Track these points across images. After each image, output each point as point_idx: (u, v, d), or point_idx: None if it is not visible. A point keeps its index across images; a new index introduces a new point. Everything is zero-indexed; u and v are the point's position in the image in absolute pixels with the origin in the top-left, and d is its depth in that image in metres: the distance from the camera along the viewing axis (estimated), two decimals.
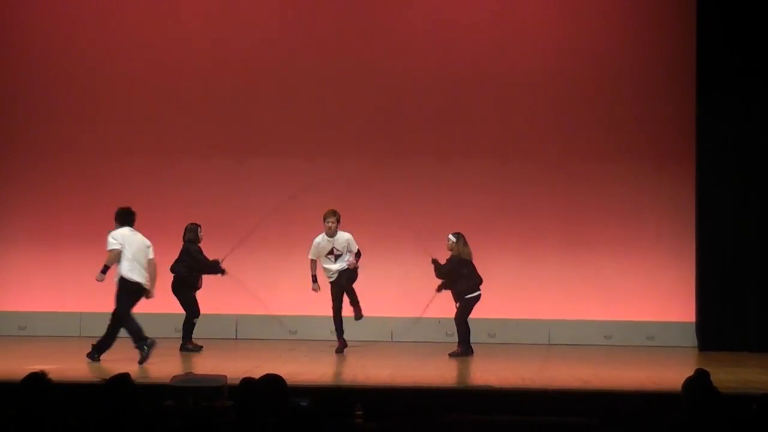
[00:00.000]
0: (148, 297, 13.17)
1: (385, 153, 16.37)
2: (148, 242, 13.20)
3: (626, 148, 16.20)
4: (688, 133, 15.69)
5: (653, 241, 16.17)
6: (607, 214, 16.24)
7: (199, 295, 14.67)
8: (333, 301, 14.42)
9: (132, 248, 13.02)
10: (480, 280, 14.25)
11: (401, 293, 15.87)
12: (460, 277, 14.20)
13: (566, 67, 16.29)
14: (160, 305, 15.47)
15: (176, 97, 16.54)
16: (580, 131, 16.30)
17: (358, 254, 14.50)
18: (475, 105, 16.37)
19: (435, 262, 14.31)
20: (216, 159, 16.48)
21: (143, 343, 12.73)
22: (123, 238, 13.04)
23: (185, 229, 14.72)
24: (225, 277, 14.76)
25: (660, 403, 9.10)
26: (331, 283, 14.49)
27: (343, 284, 14.39)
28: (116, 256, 12.95)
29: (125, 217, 13.26)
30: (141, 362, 12.56)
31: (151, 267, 13.16)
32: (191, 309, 14.57)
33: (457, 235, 14.37)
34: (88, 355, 13.03)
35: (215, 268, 14.63)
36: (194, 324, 14.60)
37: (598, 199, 16.27)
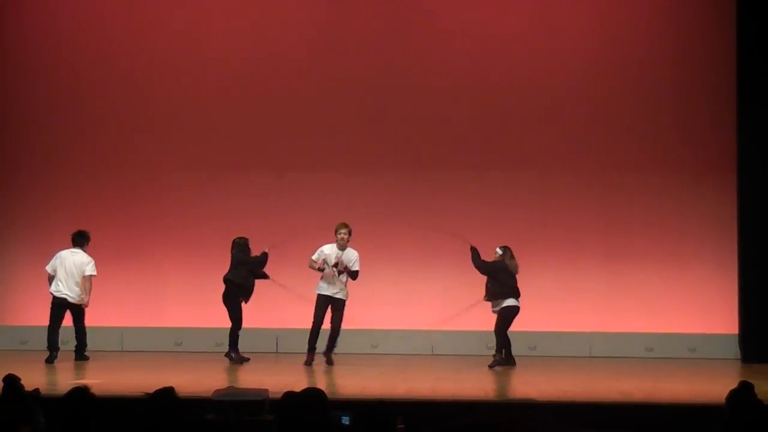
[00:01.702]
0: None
1: (424, 166, 16.36)
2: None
3: (667, 160, 16.13)
4: (728, 144, 15.62)
5: (695, 252, 16.08)
6: (648, 226, 16.17)
7: (245, 307, 14.70)
8: (316, 314, 14.30)
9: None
10: (518, 294, 14.21)
11: (441, 306, 15.84)
12: (496, 283, 14.18)
13: (605, 78, 16.25)
14: (201, 320, 15.61)
15: (214, 113, 16.60)
16: (620, 143, 16.24)
17: (354, 273, 14.29)
18: (513, 117, 16.35)
19: (473, 250, 14.31)
20: (253, 174, 16.53)
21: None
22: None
23: (234, 243, 14.74)
24: (267, 285, 14.78)
25: (703, 416, 9.04)
26: (320, 295, 14.33)
27: (333, 311, 14.31)
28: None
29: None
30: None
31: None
32: (238, 319, 14.60)
33: (504, 248, 14.37)
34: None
35: (263, 264, 14.69)
36: (238, 336, 14.64)
37: (639, 210, 16.20)
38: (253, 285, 14.66)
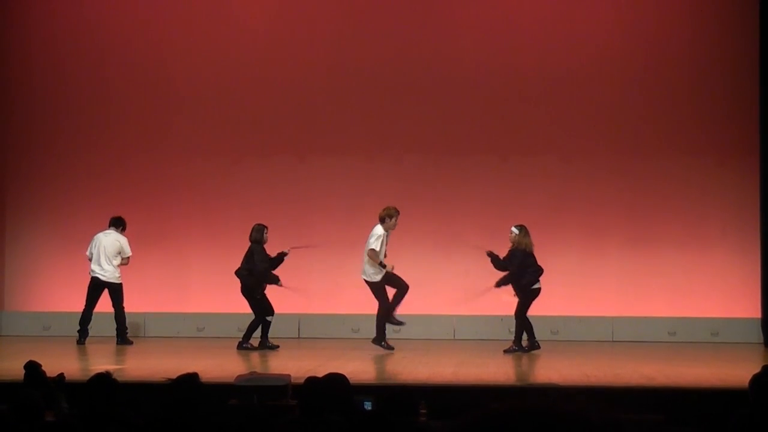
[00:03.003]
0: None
1: (445, 151, 16.35)
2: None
3: (688, 144, 16.09)
4: (750, 128, 15.56)
5: (717, 236, 16.04)
6: (670, 210, 16.13)
7: (267, 293, 14.71)
8: (385, 297, 14.20)
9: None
10: (541, 271, 14.11)
11: (462, 290, 15.85)
12: (525, 270, 14.09)
13: (627, 63, 16.20)
14: (224, 305, 15.66)
15: (236, 99, 16.62)
16: (641, 127, 16.20)
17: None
18: (535, 103, 16.32)
19: (491, 254, 14.23)
20: (276, 159, 16.55)
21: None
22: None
23: (252, 229, 14.76)
24: (291, 269, 14.81)
25: (726, 399, 9.02)
26: (381, 280, 14.24)
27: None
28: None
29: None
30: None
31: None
32: (261, 309, 14.59)
33: (520, 227, 14.25)
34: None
35: (272, 279, 14.65)
36: (269, 322, 14.62)
37: (661, 195, 16.16)
38: (256, 281, 14.61)
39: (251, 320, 14.61)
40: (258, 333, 14.61)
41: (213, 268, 16.36)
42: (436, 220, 16.03)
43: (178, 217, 16.62)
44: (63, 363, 11.10)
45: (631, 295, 15.97)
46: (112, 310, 15.01)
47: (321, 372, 6.94)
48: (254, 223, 14.81)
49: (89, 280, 15.12)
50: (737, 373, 10.58)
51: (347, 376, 6.80)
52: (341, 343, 15.01)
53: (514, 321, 14.25)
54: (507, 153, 16.35)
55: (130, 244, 15.13)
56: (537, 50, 16.35)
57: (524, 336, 14.15)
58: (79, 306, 15.08)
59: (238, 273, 14.66)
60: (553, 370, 12.02)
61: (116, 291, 15.02)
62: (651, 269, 16.08)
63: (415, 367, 12.52)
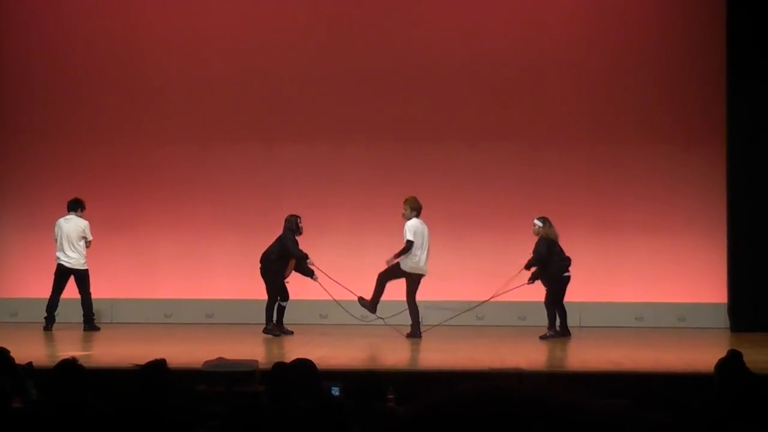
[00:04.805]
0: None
1: (415, 137, 16.34)
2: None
3: (655, 131, 16.16)
4: (717, 115, 15.65)
5: (684, 222, 16.13)
6: (637, 197, 16.21)
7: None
8: (413, 294, 14.28)
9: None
10: (569, 261, 14.24)
11: (431, 276, 15.84)
12: (551, 259, 14.20)
13: (596, 51, 16.25)
14: (192, 291, 15.62)
15: (204, 85, 16.57)
16: (609, 114, 16.26)
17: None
18: (503, 89, 16.34)
19: (525, 267, 14.32)
20: (244, 145, 16.51)
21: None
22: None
23: (286, 220, 14.69)
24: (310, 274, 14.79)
25: (693, 384, 9.08)
26: (415, 274, 14.30)
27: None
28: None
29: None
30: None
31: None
32: (276, 293, 14.54)
33: (543, 219, 14.42)
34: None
35: (304, 264, 14.67)
36: (283, 307, 14.60)
37: (628, 181, 16.23)
38: (286, 265, 14.59)
39: (267, 304, 14.58)
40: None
41: (181, 254, 16.33)
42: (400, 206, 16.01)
43: (146, 202, 16.56)
44: (30, 349, 11.06)
45: (599, 281, 16.03)
46: (78, 296, 14.95)
47: (289, 358, 6.95)
48: (288, 214, 14.73)
49: (55, 266, 15.08)
50: (703, 357, 10.64)
51: (315, 361, 6.81)
52: (309, 329, 15.02)
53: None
54: (476, 139, 16.36)
55: (92, 228, 15.02)
56: (506, 38, 16.38)
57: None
58: (46, 292, 15.01)
59: (265, 257, 14.58)
60: (520, 355, 12.05)
61: (82, 277, 14.95)
62: (618, 255, 16.16)
63: (383, 352, 12.54)
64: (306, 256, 14.68)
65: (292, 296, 14.64)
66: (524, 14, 16.38)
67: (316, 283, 14.61)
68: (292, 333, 14.52)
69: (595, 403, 2.17)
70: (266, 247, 14.58)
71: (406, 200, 14.36)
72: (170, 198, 16.55)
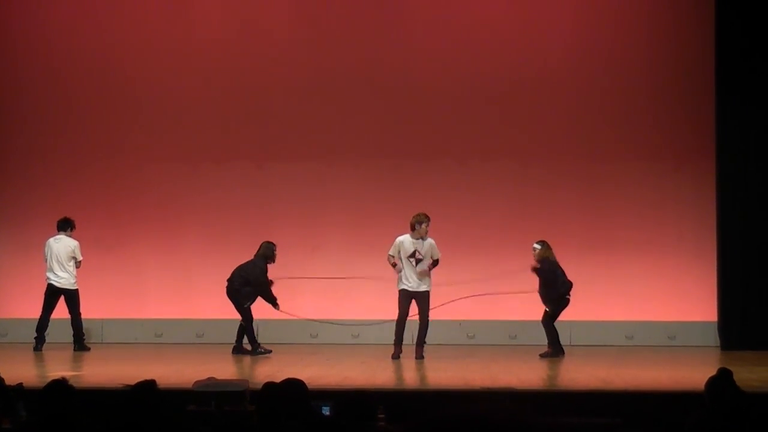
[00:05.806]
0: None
1: (404, 155, 16.35)
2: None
3: (646, 149, 16.18)
4: (707, 132, 15.67)
5: (674, 241, 16.14)
6: (627, 215, 16.22)
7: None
8: (400, 308, 14.07)
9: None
10: (570, 285, 14.30)
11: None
12: (556, 282, 14.25)
13: (585, 68, 16.28)
14: (181, 311, 15.58)
15: (195, 104, 16.57)
16: (599, 132, 16.28)
17: (436, 262, 14.13)
18: (495, 107, 16.36)
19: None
20: (233, 165, 16.50)
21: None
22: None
23: (261, 246, 14.65)
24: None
25: (683, 402, 9.08)
26: (402, 290, 14.08)
27: (419, 305, 14.07)
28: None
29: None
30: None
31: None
32: (243, 317, 14.51)
33: (542, 242, 14.46)
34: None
35: (271, 298, 14.62)
36: (252, 330, 14.54)
37: (618, 199, 16.24)
38: (252, 296, 14.56)
39: (242, 326, 14.55)
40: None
41: (170, 274, 16.31)
42: (394, 224, 15.99)
43: (136, 222, 16.54)
44: (20, 370, 11.03)
45: (589, 300, 16.01)
46: (68, 316, 14.93)
47: (279, 377, 6.93)
48: (264, 241, 14.71)
49: (45, 286, 15.05)
50: (694, 376, 10.65)
51: (305, 381, 6.80)
52: (300, 349, 15.00)
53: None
54: (465, 157, 16.37)
55: (82, 248, 15.01)
56: (496, 56, 16.40)
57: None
58: (36, 312, 14.98)
59: (232, 280, 14.54)
60: (511, 374, 12.04)
61: (72, 297, 14.94)
62: (608, 273, 16.16)
63: (373, 371, 12.51)
64: (271, 283, 14.59)
65: (282, 316, 14.60)
66: (515, 34, 16.41)
67: (279, 311, 14.55)
68: (250, 352, 14.43)
69: (589, 423, 2.20)
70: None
71: (425, 217, 14.11)
72: (160, 218, 16.53)
